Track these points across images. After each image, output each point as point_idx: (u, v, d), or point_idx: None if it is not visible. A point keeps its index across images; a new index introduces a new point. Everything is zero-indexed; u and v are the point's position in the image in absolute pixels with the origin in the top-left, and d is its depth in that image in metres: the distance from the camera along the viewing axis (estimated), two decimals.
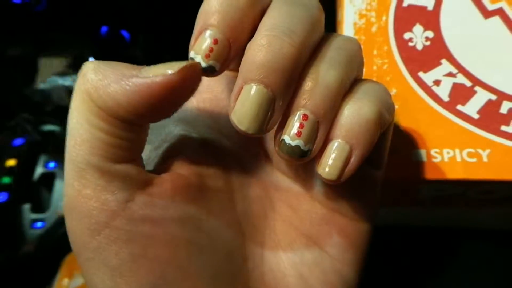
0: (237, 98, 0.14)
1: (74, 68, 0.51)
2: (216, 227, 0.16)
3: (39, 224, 0.39)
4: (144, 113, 0.13)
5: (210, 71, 0.14)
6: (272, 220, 0.17)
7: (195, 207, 0.15)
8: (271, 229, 0.17)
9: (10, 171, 0.41)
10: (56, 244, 0.38)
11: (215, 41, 0.14)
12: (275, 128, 0.15)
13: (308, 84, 0.14)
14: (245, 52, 0.14)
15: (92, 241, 0.14)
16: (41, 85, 0.48)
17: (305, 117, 0.14)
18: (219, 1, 0.14)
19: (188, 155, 0.16)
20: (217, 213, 0.16)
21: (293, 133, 0.14)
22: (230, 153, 0.17)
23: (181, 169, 0.16)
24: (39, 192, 0.41)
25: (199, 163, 0.16)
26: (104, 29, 0.51)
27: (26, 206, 0.40)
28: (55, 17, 0.50)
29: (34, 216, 0.39)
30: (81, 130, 0.13)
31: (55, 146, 0.42)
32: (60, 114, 0.45)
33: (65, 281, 0.34)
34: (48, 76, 0.50)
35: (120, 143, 0.14)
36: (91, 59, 0.51)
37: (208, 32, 0.14)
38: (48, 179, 0.41)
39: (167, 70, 0.13)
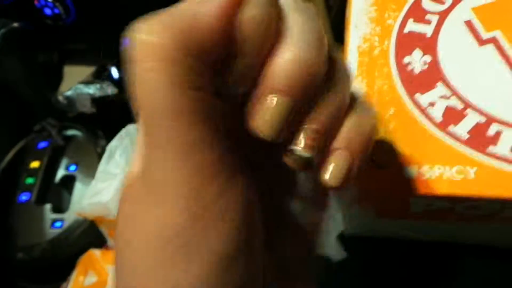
0: (258, 105, 0.15)
1: (98, 77, 0.53)
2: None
3: (58, 224, 0.41)
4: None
5: None
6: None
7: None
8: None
9: (34, 172, 0.44)
10: (74, 244, 0.40)
11: None
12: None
13: (320, 105, 0.15)
14: (271, 64, 0.14)
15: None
16: (66, 92, 0.50)
17: (314, 131, 0.15)
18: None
19: None
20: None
21: (302, 144, 0.15)
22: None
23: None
24: (60, 193, 0.43)
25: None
26: (126, 41, 0.53)
27: (47, 206, 0.42)
28: (82, 29, 0.53)
29: (54, 216, 0.41)
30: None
31: (77, 150, 0.44)
32: (83, 120, 0.48)
33: (81, 278, 0.36)
34: (73, 84, 0.52)
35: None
36: (113, 68, 0.54)
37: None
38: (69, 181, 0.43)
39: None
